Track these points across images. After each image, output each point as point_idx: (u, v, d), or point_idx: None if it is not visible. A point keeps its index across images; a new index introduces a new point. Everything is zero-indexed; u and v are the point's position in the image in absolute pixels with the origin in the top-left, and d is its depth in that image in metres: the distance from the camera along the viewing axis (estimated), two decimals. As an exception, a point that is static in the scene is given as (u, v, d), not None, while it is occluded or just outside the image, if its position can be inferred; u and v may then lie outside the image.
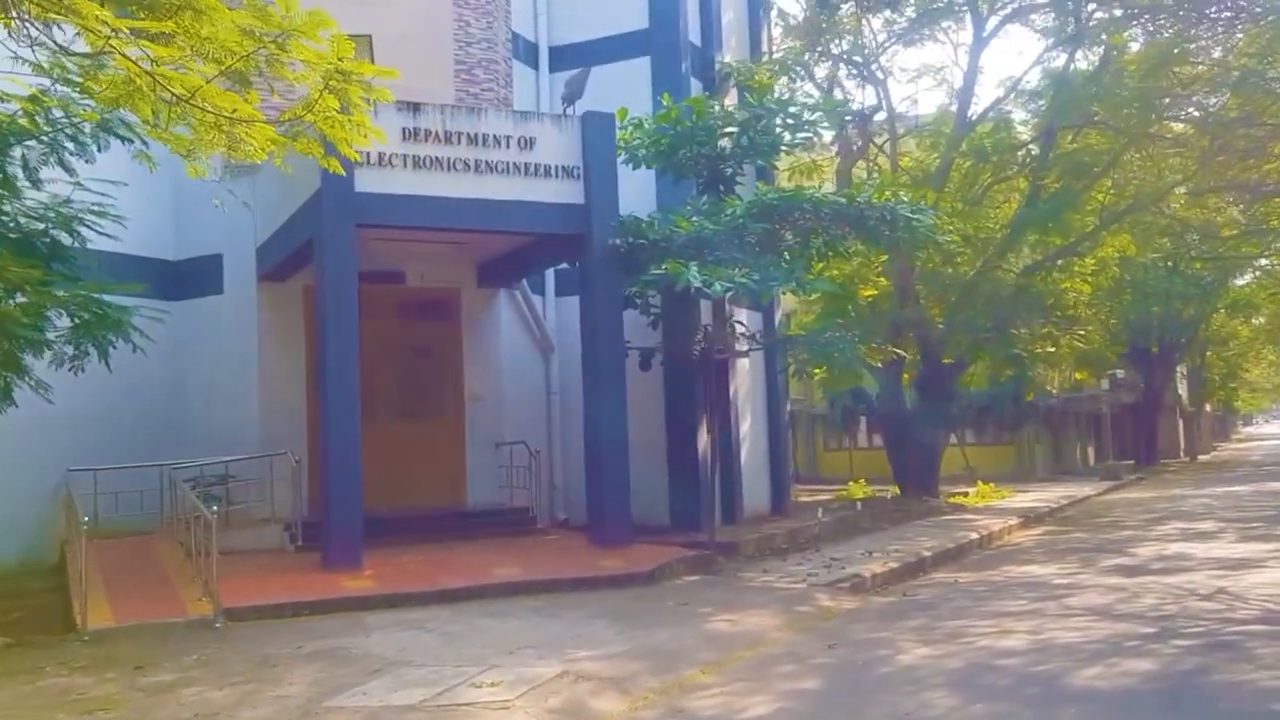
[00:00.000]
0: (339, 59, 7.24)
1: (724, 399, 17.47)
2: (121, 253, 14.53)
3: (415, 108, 12.29)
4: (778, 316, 20.98)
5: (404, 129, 12.21)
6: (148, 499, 14.16)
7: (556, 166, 12.91)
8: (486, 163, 12.54)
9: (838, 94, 24.15)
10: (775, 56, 20.80)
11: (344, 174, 8.51)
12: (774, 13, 24.10)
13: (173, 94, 7.39)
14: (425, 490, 15.30)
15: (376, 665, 8.16)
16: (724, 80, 17.73)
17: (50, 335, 10.83)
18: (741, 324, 15.77)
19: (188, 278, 15.48)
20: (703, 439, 15.58)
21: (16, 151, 10.72)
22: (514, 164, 12.67)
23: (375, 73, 7.59)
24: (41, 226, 11.22)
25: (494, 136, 12.61)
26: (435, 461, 15.53)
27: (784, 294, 18.26)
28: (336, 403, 11.79)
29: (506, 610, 10.28)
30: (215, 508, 10.61)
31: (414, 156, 12.21)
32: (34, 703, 7.50)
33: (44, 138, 10.50)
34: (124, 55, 7.12)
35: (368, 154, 11.93)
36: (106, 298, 11.29)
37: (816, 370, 25.49)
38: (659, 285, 12.47)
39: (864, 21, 23.88)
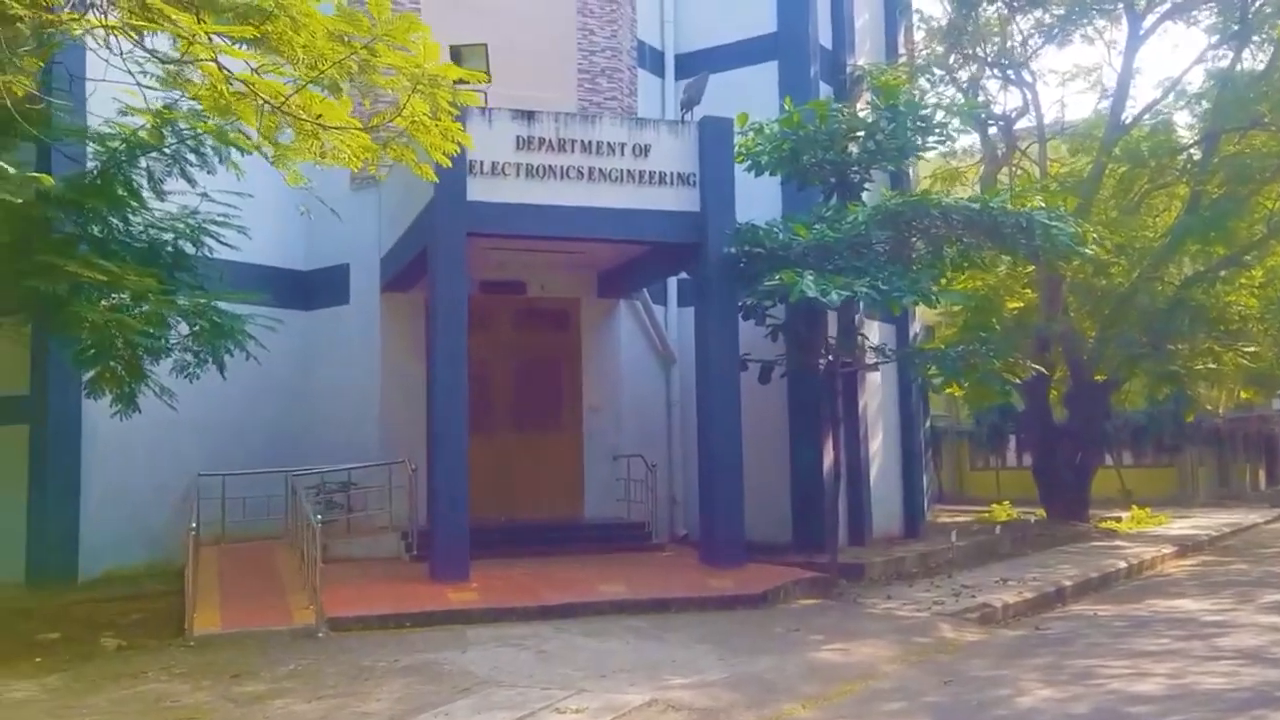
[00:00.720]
0: (426, 62, 7.09)
1: (852, 414, 16.83)
2: (254, 263, 14.94)
3: (529, 115, 12.17)
4: (913, 329, 20.19)
5: (518, 137, 12.10)
6: (274, 504, 14.43)
7: (672, 174, 12.61)
8: (600, 170, 12.33)
9: (981, 98, 23.10)
10: (913, 59, 20.05)
11: (437, 180, 8.33)
12: (916, 16, 23.31)
13: (267, 101, 7.38)
14: (542, 502, 15.18)
15: (466, 684, 7.98)
16: (856, 84, 17.12)
17: (172, 343, 11.11)
18: (865, 336, 15.10)
19: (318, 288, 15.77)
20: (828, 455, 15.00)
21: (142, 164, 11.02)
22: (628, 171, 12.43)
23: (462, 75, 7.43)
24: (169, 237, 11.53)
25: (608, 144, 12.38)
26: (553, 473, 15.40)
27: (919, 305, 17.58)
28: (445, 413, 11.71)
29: (607, 629, 9.98)
30: (320, 516, 10.64)
31: (527, 165, 12.09)
32: (131, 708, 7.56)
33: (167, 150, 10.73)
34: (217, 63, 7.15)
35: (480, 162, 11.90)
36: (226, 306, 11.53)
37: (955, 386, 24.53)
38: (774, 295, 12.00)
39: (1012, 23, 22.79)
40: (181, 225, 11.70)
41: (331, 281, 15.53)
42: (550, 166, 12.16)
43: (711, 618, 10.71)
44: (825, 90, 16.63)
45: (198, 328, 10.60)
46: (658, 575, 12.23)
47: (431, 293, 11.95)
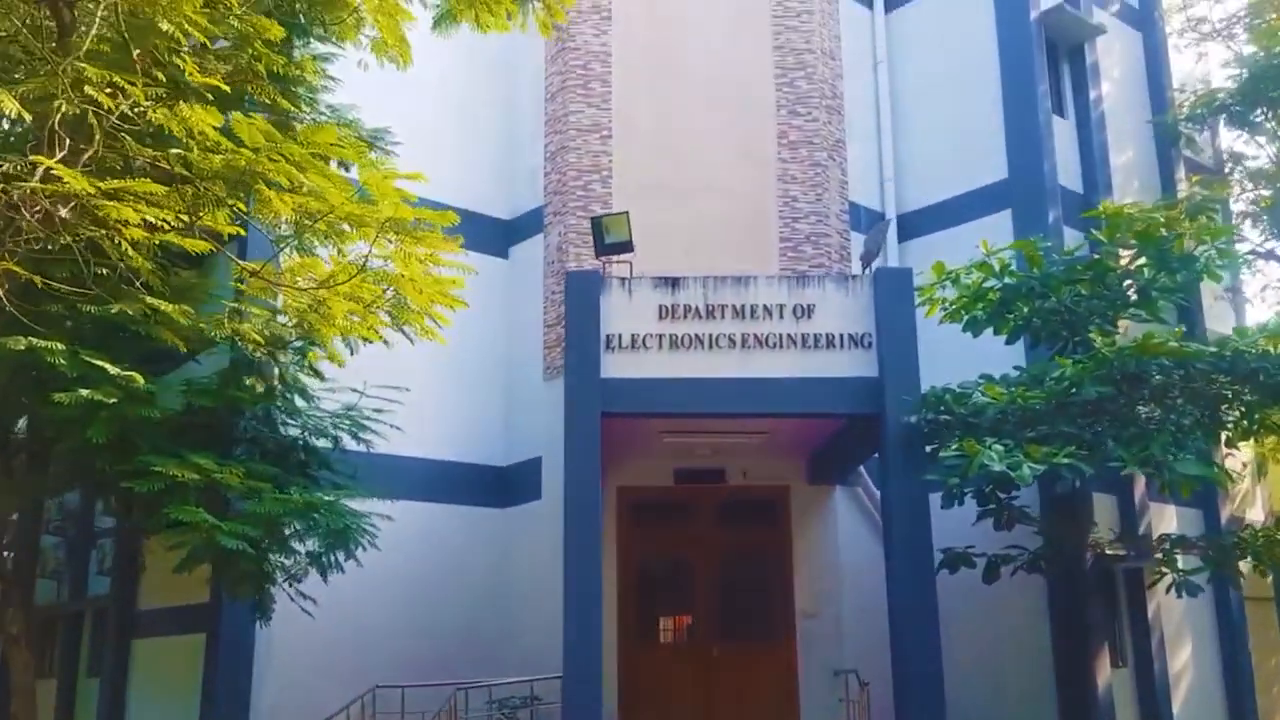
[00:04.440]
0: (383, 203, 6.20)
1: (1140, 621, 13.68)
2: (450, 460, 14.62)
3: (673, 283, 11.02)
4: (1247, 513, 16.61)
5: (660, 306, 10.95)
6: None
7: (841, 335, 10.89)
8: (755, 336, 10.85)
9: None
10: (1194, 198, 17.19)
11: (445, 342, 7.28)
12: (1228, 159, 20.51)
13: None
14: (752, 725, 13.17)
15: None
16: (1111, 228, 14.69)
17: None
18: (1101, 524, 12.17)
19: (513, 484, 15.06)
20: (1100, 675, 12.08)
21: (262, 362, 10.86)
22: (787, 335, 10.86)
23: (425, 216, 6.45)
24: (299, 434, 11.28)
25: (764, 306, 10.92)
26: (763, 691, 13.32)
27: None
28: (577, 628, 10.27)
29: None
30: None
31: (670, 335, 10.85)
32: None
33: (284, 346, 10.51)
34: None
35: (618, 336, 10.88)
36: (371, 505, 11.05)
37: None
38: (956, 471, 9.76)
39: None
40: (346, 420, 11.45)
41: (525, 477, 14.76)
42: (697, 335, 10.85)
43: None
44: (1073, 236, 14.36)
45: (303, 528, 10.03)
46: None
47: (565, 482, 10.77)
